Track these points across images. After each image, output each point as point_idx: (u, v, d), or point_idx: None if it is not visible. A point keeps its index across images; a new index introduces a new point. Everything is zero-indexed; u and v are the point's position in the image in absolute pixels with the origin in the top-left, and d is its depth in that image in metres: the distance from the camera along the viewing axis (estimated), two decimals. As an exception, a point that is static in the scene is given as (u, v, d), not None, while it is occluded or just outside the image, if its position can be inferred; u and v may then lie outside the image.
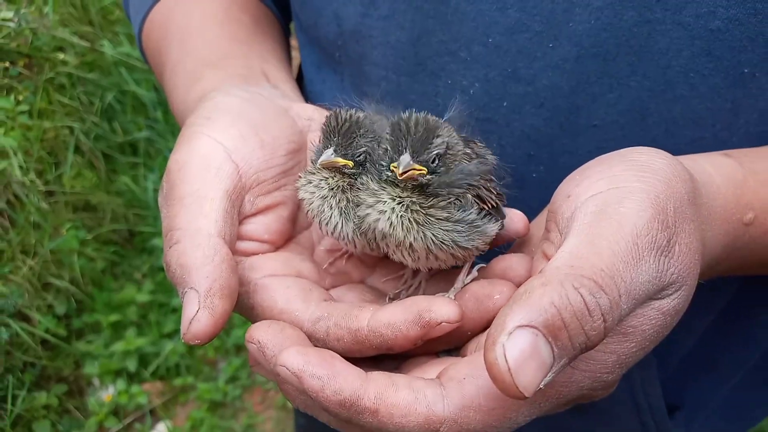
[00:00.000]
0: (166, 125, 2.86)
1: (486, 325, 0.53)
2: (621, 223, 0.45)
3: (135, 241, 2.82)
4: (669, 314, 0.47)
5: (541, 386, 0.40)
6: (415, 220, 0.54)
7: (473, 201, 0.56)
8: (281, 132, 0.60)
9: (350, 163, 0.58)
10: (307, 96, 0.81)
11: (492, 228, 0.58)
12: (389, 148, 0.54)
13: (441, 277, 0.63)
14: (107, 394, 2.42)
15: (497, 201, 0.58)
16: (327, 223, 0.59)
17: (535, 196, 0.64)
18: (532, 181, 0.69)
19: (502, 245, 0.63)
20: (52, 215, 2.41)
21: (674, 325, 0.49)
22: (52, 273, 2.38)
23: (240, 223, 0.57)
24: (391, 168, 0.53)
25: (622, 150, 0.52)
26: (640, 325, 0.46)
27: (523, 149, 0.67)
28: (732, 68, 0.60)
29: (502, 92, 0.65)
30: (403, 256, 0.57)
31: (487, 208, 0.57)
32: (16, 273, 2.27)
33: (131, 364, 2.45)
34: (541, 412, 0.48)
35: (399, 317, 0.49)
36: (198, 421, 2.39)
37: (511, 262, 0.56)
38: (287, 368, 0.46)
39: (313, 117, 0.66)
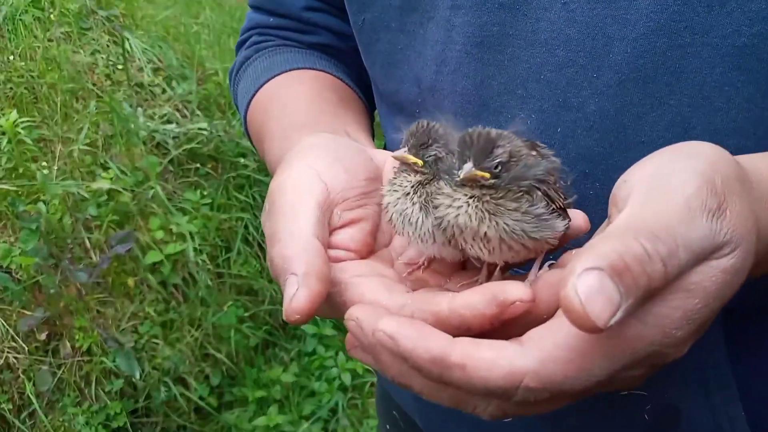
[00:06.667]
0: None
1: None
2: (673, 191, 0.50)
3: (287, 328, 3.06)
4: (728, 272, 0.50)
5: (612, 322, 0.44)
6: (487, 210, 0.59)
7: (542, 197, 0.61)
8: (361, 164, 0.71)
9: (420, 162, 0.66)
10: None
11: (560, 224, 0.62)
12: (456, 160, 0.62)
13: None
14: (245, 466, 2.56)
15: (564, 204, 0.63)
16: (409, 220, 0.65)
17: (592, 213, 0.69)
18: (590, 197, 0.74)
19: (567, 245, 0.67)
20: (218, 294, 2.73)
21: (736, 285, 0.51)
22: (212, 344, 2.66)
23: (330, 234, 0.65)
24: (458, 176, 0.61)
25: (673, 144, 0.58)
26: (701, 281, 0.49)
27: (579, 168, 0.73)
28: (763, 79, 0.65)
29: (555, 120, 0.73)
30: (480, 249, 0.61)
31: (555, 207, 0.62)
32: (182, 341, 2.58)
33: (270, 440, 2.59)
34: (617, 366, 0.50)
35: (476, 298, 0.53)
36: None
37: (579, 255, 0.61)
38: (384, 332, 0.51)
39: (387, 158, 0.77)
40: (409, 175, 0.67)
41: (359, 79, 1.05)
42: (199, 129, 2.84)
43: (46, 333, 2.33)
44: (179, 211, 2.70)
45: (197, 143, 2.82)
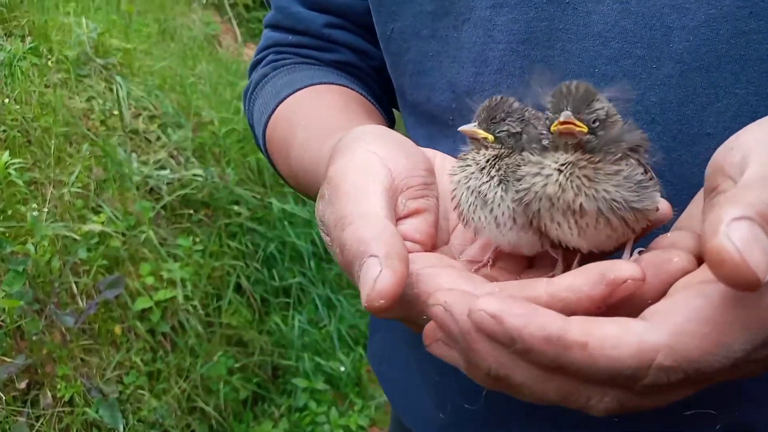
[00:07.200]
0: (318, 273, 3.10)
1: (664, 292, 0.50)
2: None
3: (278, 382, 2.95)
4: None
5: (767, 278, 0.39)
6: (585, 175, 0.53)
7: (636, 165, 0.55)
8: (417, 155, 0.66)
9: (491, 137, 0.62)
10: None
11: (658, 197, 0.56)
12: (550, 112, 0.55)
13: None
14: None
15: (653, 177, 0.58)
16: (484, 197, 0.59)
17: None
18: None
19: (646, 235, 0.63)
20: (207, 343, 2.63)
21: None
22: (200, 397, 2.54)
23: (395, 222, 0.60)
24: (551, 128, 0.54)
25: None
26: None
27: None
28: None
29: None
30: (570, 228, 0.54)
31: (651, 176, 0.57)
32: (169, 392, 2.46)
33: (258, 501, 2.45)
34: (756, 341, 0.44)
35: (580, 280, 0.48)
36: None
37: (675, 237, 0.55)
38: (486, 311, 0.44)
39: (436, 154, 0.73)
40: (479, 152, 0.62)
41: (379, 98, 1.03)
42: (194, 175, 2.80)
43: (26, 381, 2.21)
44: (170, 257, 2.63)
45: (191, 189, 2.79)
